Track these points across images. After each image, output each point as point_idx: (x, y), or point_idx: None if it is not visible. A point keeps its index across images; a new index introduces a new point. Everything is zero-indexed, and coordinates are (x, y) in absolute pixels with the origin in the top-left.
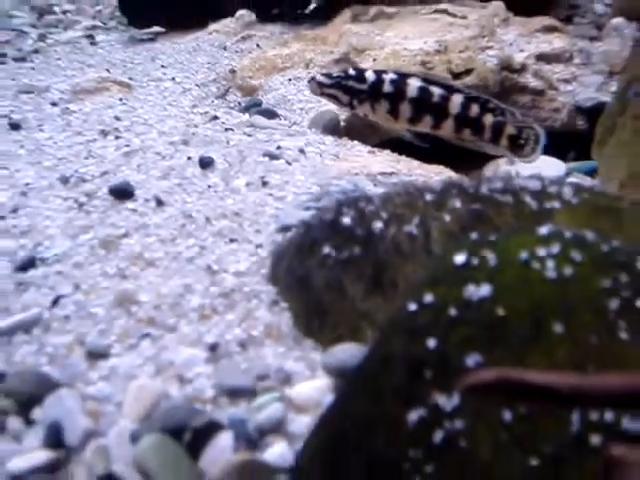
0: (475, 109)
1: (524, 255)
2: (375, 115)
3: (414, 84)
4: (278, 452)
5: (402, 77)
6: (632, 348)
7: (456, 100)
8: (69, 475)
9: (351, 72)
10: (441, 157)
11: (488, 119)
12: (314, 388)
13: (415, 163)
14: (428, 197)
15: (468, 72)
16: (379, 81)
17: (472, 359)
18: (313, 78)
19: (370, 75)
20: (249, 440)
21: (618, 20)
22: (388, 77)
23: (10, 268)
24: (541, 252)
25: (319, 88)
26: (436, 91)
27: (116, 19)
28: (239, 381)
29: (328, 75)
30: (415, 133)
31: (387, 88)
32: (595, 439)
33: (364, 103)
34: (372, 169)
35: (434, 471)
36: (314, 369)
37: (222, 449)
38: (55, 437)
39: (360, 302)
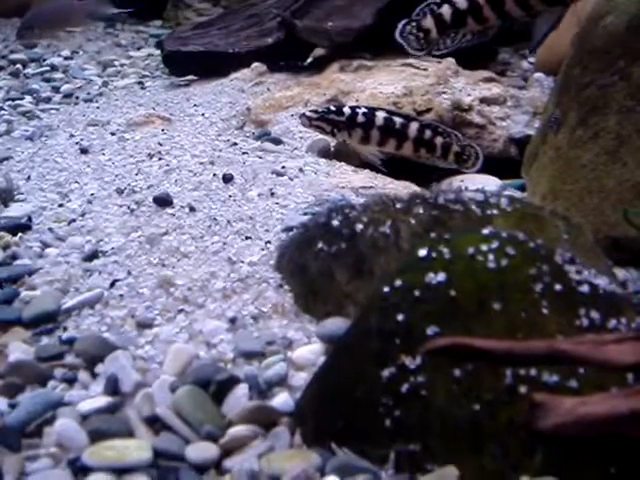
0: (428, 133)
1: (471, 250)
2: (351, 140)
3: (381, 115)
4: (282, 400)
5: (371, 110)
6: (550, 320)
7: (413, 126)
8: (123, 415)
9: (332, 108)
10: (407, 175)
11: (438, 140)
12: (310, 351)
13: (388, 179)
14: (398, 205)
15: (428, 110)
16: (354, 114)
17: (431, 329)
18: (303, 114)
19: (347, 109)
20: (260, 391)
21: (539, 74)
22: (360, 111)
23: (79, 258)
24: (484, 248)
25: (308, 121)
26: (397, 120)
27: (160, 70)
28: (252, 346)
29: (314, 111)
30: (381, 160)
31: (360, 119)
32: (522, 388)
33: (342, 131)
34: (355, 184)
35: (401, 413)
36: (310, 337)
37: (239, 397)
38: (113, 387)
39: (345, 286)
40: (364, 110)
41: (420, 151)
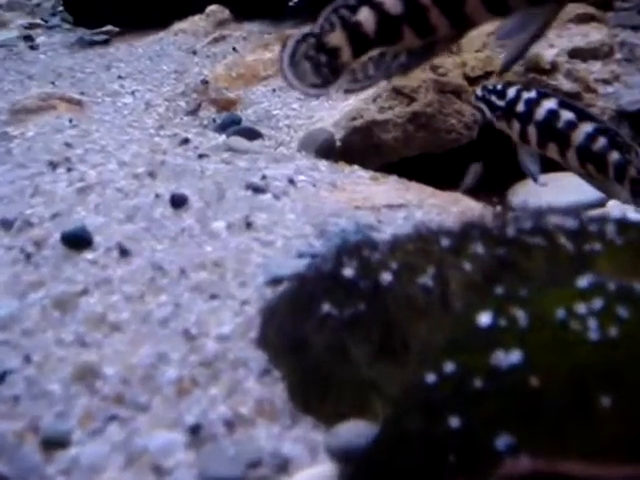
0: (601, 142)
1: (561, 313)
2: (512, 134)
3: (546, 105)
4: None
5: (539, 96)
6: None
7: (582, 129)
8: None
9: (498, 86)
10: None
11: (613, 156)
12: (316, 476)
13: (428, 190)
14: (445, 241)
15: (487, 76)
16: (516, 98)
17: (503, 440)
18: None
19: (511, 90)
20: None
21: None
22: (525, 95)
23: None
24: (581, 309)
25: (474, 99)
26: (564, 116)
27: (59, 15)
28: (226, 470)
29: (484, 87)
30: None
31: (520, 107)
32: None
33: (501, 120)
34: (376, 201)
35: None
36: (315, 452)
37: None
38: None
39: (367, 369)
40: (531, 94)
41: (587, 167)
